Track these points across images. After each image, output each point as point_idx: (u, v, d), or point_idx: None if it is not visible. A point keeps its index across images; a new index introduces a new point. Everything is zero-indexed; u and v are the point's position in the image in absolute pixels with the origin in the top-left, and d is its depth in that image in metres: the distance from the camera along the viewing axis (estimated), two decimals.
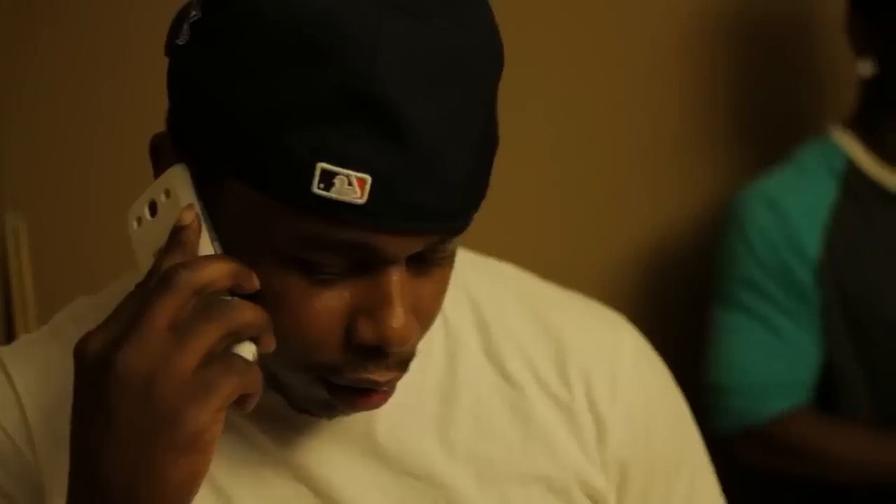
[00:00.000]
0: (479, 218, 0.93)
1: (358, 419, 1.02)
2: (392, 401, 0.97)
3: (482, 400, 1.06)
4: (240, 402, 0.87)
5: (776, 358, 2.04)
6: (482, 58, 0.89)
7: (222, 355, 0.87)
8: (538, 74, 2.16)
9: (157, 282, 0.87)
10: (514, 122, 2.14)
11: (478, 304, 1.09)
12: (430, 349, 1.05)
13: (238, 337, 0.88)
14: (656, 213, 2.31)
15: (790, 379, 2.04)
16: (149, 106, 1.12)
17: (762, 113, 2.36)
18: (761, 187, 2.07)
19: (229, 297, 0.89)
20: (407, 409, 1.04)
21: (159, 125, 0.96)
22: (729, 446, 2.06)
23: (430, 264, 0.92)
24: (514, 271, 1.14)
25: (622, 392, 1.09)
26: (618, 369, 1.09)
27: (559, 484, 1.06)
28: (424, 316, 0.93)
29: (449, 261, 0.94)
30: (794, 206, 2.04)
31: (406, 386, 0.99)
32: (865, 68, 2.03)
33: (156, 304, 0.86)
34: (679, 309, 2.29)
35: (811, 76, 2.36)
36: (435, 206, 0.88)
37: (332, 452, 1.02)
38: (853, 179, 2.06)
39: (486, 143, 0.91)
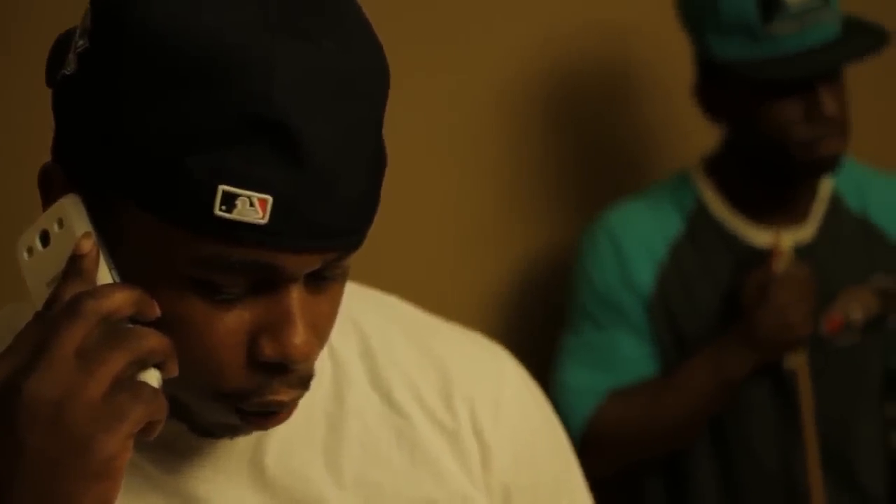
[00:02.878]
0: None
1: (246, 448, 1.02)
2: (280, 430, 0.98)
3: (369, 428, 1.07)
4: (146, 428, 0.87)
5: (588, 367, 2.08)
6: (372, 79, 0.91)
7: (129, 383, 0.86)
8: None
9: (62, 310, 0.86)
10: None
11: (364, 333, 1.10)
12: (317, 378, 1.05)
13: (143, 364, 0.87)
14: (523, 246, 2.38)
15: (597, 384, 2.08)
16: (32, 134, 1.11)
17: (626, 151, 2.44)
18: (608, 218, 2.13)
19: (132, 325, 0.88)
20: (295, 438, 1.04)
21: (45, 155, 0.95)
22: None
23: (326, 281, 0.94)
24: (398, 303, 1.15)
25: (505, 418, 1.11)
26: (501, 396, 1.11)
27: None
28: (321, 331, 0.95)
29: (343, 277, 0.96)
30: (633, 241, 2.10)
31: (294, 415, 0.99)
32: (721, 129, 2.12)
33: (62, 331, 0.85)
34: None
35: (674, 116, 2.43)
36: (333, 224, 0.89)
37: (221, 481, 1.02)
38: (698, 220, 2.12)
39: (377, 161, 0.93)
